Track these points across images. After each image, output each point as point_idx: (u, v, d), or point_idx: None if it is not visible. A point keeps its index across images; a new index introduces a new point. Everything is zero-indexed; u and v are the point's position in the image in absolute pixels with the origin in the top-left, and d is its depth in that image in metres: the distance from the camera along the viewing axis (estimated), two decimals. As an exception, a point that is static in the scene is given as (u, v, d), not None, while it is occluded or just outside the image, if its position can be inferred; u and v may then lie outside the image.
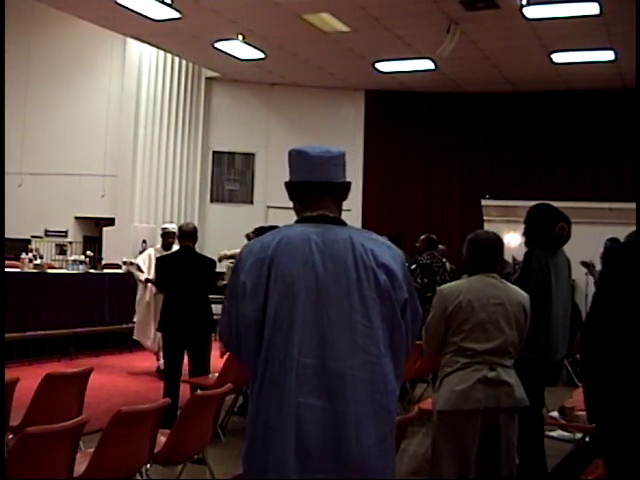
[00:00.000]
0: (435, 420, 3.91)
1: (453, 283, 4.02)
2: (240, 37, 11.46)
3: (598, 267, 7.94)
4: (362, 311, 2.28)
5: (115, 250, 12.12)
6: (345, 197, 2.48)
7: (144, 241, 12.11)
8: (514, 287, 3.98)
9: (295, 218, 2.47)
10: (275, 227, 2.93)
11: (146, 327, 8.96)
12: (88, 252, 11.65)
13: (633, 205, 10.82)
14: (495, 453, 3.88)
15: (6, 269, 8.71)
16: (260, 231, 6.61)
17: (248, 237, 7.86)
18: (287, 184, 2.47)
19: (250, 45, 11.80)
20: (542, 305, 4.49)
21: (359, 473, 2.22)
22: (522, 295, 3.94)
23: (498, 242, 4.01)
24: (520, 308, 3.90)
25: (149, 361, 9.28)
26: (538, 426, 4.65)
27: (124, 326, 10.55)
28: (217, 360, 6.91)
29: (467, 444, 3.80)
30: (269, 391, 2.25)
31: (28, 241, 13.08)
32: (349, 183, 2.47)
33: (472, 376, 3.74)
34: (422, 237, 8.12)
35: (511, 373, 3.83)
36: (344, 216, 2.48)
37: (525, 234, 4.85)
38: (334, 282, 2.28)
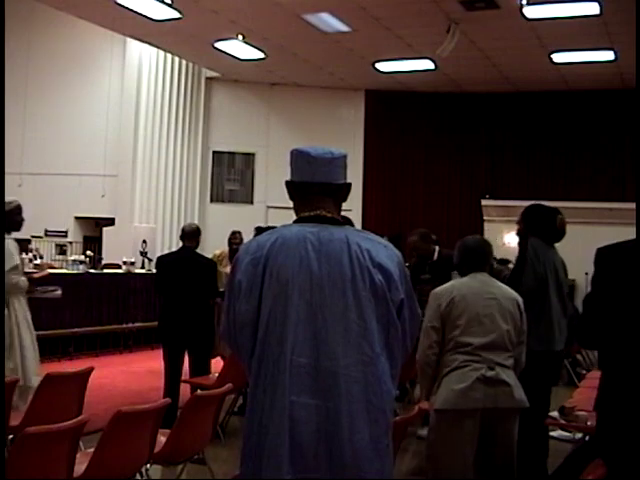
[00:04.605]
0: (433, 419, 3.90)
1: (445, 284, 4.07)
2: (240, 37, 11.46)
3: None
4: (356, 311, 2.27)
5: (115, 250, 12.11)
6: (345, 198, 2.48)
7: (144, 241, 12.11)
8: (506, 286, 4.04)
9: (295, 218, 2.48)
10: (271, 227, 2.93)
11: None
12: (88, 252, 11.65)
13: (633, 205, 10.83)
14: (494, 456, 3.87)
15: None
16: (258, 231, 6.61)
17: (230, 242, 7.82)
18: (287, 183, 2.47)
19: (250, 45, 11.80)
20: (541, 292, 4.52)
21: (352, 473, 2.22)
22: (515, 293, 3.99)
23: (484, 243, 4.17)
24: (514, 304, 3.93)
25: (150, 361, 9.26)
26: (543, 428, 4.64)
27: (124, 326, 10.57)
28: (217, 361, 6.92)
29: (465, 444, 3.79)
30: (263, 390, 2.26)
31: (28, 241, 13.07)
32: (349, 184, 2.48)
33: (471, 375, 3.74)
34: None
35: (510, 374, 3.83)
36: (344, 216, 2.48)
37: (520, 232, 4.87)
38: (329, 281, 2.29)
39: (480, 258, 4.04)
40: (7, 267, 5.35)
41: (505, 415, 3.82)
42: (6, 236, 5.52)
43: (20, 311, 5.55)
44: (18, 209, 5.73)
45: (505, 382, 3.77)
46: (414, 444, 5.83)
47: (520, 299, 3.98)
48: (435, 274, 6.31)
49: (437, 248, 6.81)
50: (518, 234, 4.89)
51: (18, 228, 5.79)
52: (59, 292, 6.24)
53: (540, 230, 4.73)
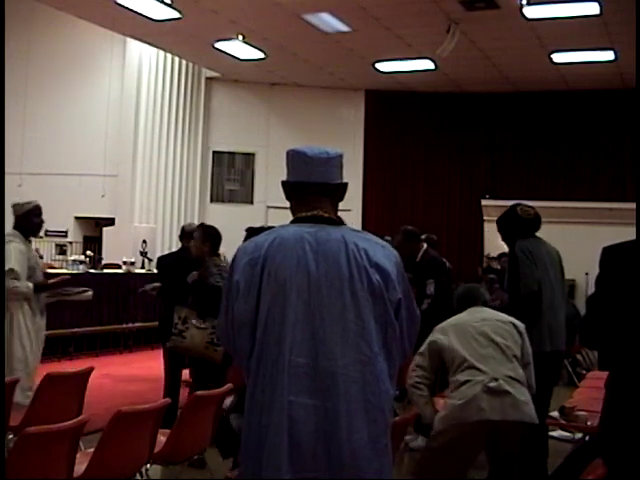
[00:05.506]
0: (433, 435, 3.85)
1: None
2: (240, 37, 11.46)
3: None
4: (354, 310, 2.27)
5: (115, 250, 12.12)
6: (341, 198, 2.48)
7: (144, 241, 12.11)
8: (502, 313, 4.14)
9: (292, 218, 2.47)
10: (263, 228, 2.93)
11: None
12: (88, 252, 11.66)
13: (633, 205, 10.84)
14: (506, 475, 3.83)
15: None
16: (249, 231, 6.58)
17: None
18: (284, 183, 2.47)
19: (250, 45, 11.80)
20: (539, 291, 4.54)
21: (351, 473, 2.21)
22: (511, 318, 4.06)
23: (472, 287, 4.44)
24: (510, 325, 3.98)
25: (150, 361, 9.25)
26: (543, 428, 4.64)
27: (124, 326, 10.57)
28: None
29: (465, 460, 3.76)
30: (262, 390, 2.26)
31: (28, 241, 13.05)
32: (346, 184, 2.48)
33: (474, 389, 3.71)
34: (422, 237, 8.11)
35: (517, 386, 3.76)
36: (344, 216, 2.48)
37: (505, 241, 4.95)
38: (326, 281, 2.29)
39: (469, 299, 4.18)
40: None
41: (517, 429, 3.73)
42: (11, 239, 5.24)
43: (18, 322, 5.17)
44: (37, 210, 5.43)
45: (510, 393, 3.69)
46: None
47: (519, 323, 4.03)
48: (416, 276, 6.21)
49: (425, 247, 6.72)
50: (507, 244, 4.95)
51: (36, 230, 5.53)
52: (90, 293, 5.81)
53: (515, 231, 4.81)
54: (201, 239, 5.68)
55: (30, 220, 5.39)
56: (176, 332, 5.45)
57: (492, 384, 3.68)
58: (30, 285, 5.22)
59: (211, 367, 5.58)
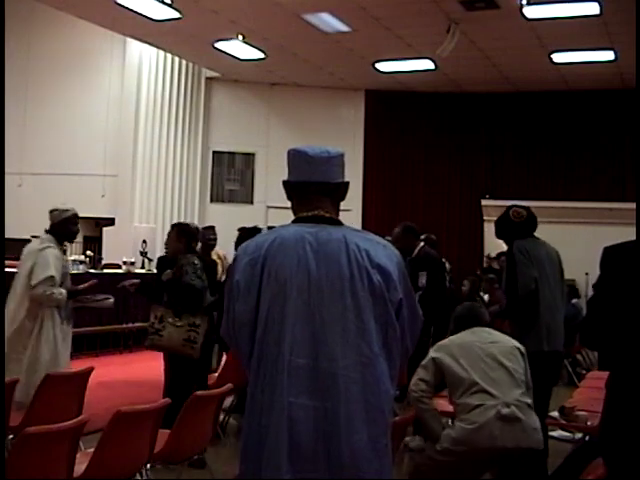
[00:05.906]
0: (439, 450, 3.80)
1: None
2: (240, 37, 11.46)
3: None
4: (355, 311, 2.27)
5: (115, 250, 12.11)
6: (343, 197, 2.48)
7: (144, 241, 12.10)
8: (507, 336, 4.14)
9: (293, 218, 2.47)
10: (256, 228, 2.94)
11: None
12: (88, 252, 11.64)
13: (633, 205, 10.84)
14: None
15: (6, 269, 8.68)
16: (242, 231, 6.57)
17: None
18: (285, 183, 2.47)
19: (250, 45, 11.80)
20: (536, 290, 4.54)
21: (351, 473, 2.21)
22: (515, 342, 4.06)
23: (474, 305, 4.44)
24: (515, 350, 3.97)
25: (150, 361, 9.23)
26: (542, 428, 4.64)
27: (124, 326, 10.56)
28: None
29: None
30: (262, 390, 2.26)
31: (28, 241, 12.98)
32: (347, 183, 2.47)
33: (486, 414, 3.69)
34: (421, 237, 8.12)
35: (527, 412, 3.75)
36: (344, 216, 2.47)
37: (503, 239, 4.97)
38: (327, 281, 2.28)
39: (472, 318, 4.16)
40: (41, 277, 5.21)
41: (524, 455, 3.72)
42: (47, 244, 5.39)
43: (47, 327, 5.26)
44: (74, 218, 5.62)
45: (522, 420, 3.70)
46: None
47: (522, 347, 4.04)
48: (410, 271, 6.27)
49: (421, 245, 6.73)
50: (505, 242, 4.97)
51: (72, 238, 5.76)
52: (111, 300, 5.94)
53: (510, 233, 4.85)
54: (176, 237, 5.70)
55: (68, 227, 5.59)
56: (153, 331, 5.46)
57: (505, 411, 3.68)
58: (64, 292, 5.35)
59: (190, 367, 5.57)
